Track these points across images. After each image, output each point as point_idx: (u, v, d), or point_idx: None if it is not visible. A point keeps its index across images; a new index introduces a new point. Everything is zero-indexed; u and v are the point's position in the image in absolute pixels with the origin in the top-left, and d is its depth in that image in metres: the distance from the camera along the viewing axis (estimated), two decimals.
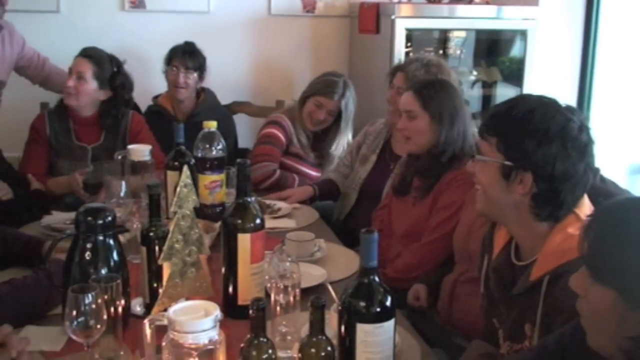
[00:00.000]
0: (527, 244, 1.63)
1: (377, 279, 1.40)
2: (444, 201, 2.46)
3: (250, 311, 1.34)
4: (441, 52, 4.13)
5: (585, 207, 1.58)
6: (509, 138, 1.57)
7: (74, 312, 1.48)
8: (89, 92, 3.08)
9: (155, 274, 1.81)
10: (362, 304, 1.38)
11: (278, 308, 1.70)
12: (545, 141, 1.52)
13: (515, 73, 4.11)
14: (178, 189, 1.64)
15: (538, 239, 1.58)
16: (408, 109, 2.53)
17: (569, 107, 1.59)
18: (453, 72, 3.05)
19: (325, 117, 3.44)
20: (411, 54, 3.71)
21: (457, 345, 2.11)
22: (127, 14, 4.02)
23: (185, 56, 3.56)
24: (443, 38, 4.17)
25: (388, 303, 1.40)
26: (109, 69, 3.11)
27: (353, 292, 1.40)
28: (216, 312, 1.30)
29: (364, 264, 1.39)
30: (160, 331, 1.42)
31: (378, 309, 1.39)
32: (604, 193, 1.78)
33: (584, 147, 1.55)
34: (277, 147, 3.38)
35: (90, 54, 3.09)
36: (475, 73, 4.20)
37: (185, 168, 1.66)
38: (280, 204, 2.88)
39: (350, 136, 3.53)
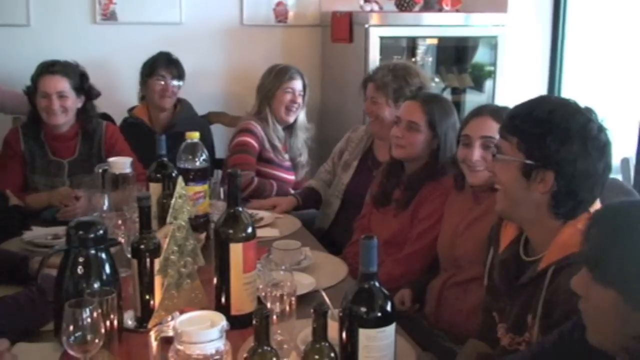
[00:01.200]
0: (539, 240, 1.66)
1: (377, 284, 1.42)
2: (424, 211, 2.51)
3: (254, 320, 1.35)
4: (413, 59, 4.18)
5: (598, 206, 1.62)
6: (531, 137, 1.60)
7: (72, 327, 1.47)
8: (72, 106, 3.06)
9: (147, 287, 1.80)
10: (364, 309, 1.40)
11: (274, 317, 1.71)
12: (566, 140, 1.55)
13: (482, 79, 4.18)
14: (173, 200, 1.64)
15: (550, 235, 1.61)
16: (412, 120, 2.56)
17: (587, 108, 1.63)
18: (422, 72, 3.11)
19: (299, 100, 3.53)
20: (381, 62, 3.75)
21: (446, 348, 2.13)
22: (98, 27, 3.99)
23: (171, 65, 3.57)
24: (412, 46, 4.21)
25: (389, 307, 1.42)
26: (76, 76, 3.08)
27: (354, 298, 1.41)
28: (222, 322, 1.30)
29: (364, 270, 1.41)
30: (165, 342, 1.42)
31: (379, 314, 1.41)
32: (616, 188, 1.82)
33: (603, 147, 1.59)
34: (252, 155, 3.39)
35: (57, 68, 3.04)
36: (437, 80, 4.24)
37: (181, 179, 1.66)
38: (263, 213, 2.88)
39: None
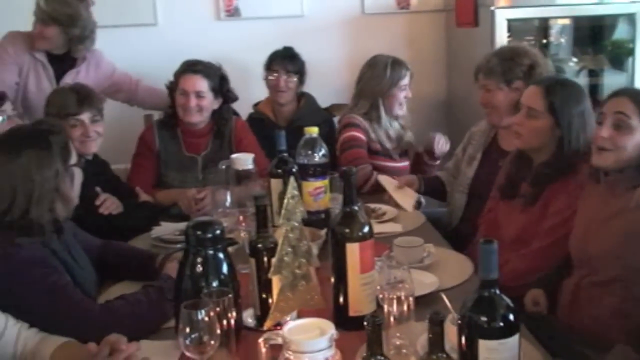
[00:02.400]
0: None
1: (498, 291, 1.32)
2: (556, 205, 2.33)
3: (366, 327, 1.29)
4: (544, 41, 3.97)
5: None
6: None
7: (188, 328, 1.48)
8: (209, 106, 3.14)
9: (265, 285, 1.80)
10: (484, 318, 1.31)
11: (392, 319, 1.65)
12: None
13: (622, 58, 3.91)
14: (285, 200, 1.61)
15: None
16: (530, 106, 2.39)
17: None
18: (533, 51, 2.91)
19: (410, 94, 3.42)
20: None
21: (579, 353, 1.99)
22: (222, 23, 4.07)
23: (285, 60, 3.56)
24: (544, 26, 4.00)
25: (511, 317, 1.32)
26: (216, 78, 3.15)
27: (473, 306, 1.32)
28: (331, 330, 1.26)
29: (484, 276, 1.32)
30: (275, 348, 1.40)
31: (501, 324, 1.31)
32: None
33: None
34: (363, 147, 3.31)
35: (199, 68, 3.12)
36: (575, 60, 4.02)
37: (292, 179, 1.63)
38: (385, 208, 2.82)
39: None
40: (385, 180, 3.02)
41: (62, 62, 3.36)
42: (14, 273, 1.76)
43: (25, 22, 3.30)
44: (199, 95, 3.09)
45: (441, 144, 3.33)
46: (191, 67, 3.13)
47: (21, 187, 1.82)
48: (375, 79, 3.38)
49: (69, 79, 3.33)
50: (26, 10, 3.25)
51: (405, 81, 3.39)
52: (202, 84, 3.09)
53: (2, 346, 1.68)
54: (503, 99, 2.80)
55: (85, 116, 2.71)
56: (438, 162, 3.44)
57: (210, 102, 3.13)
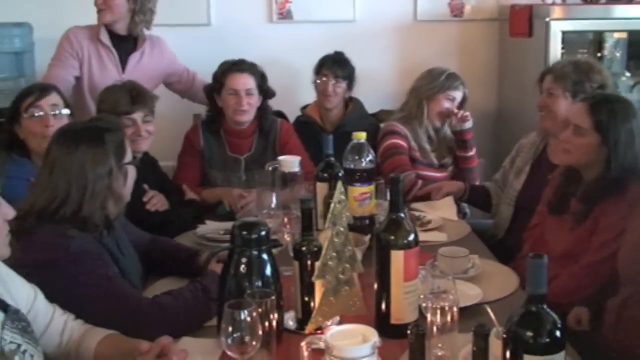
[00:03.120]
0: None
1: (546, 307, 1.30)
2: (607, 222, 2.27)
3: (409, 336, 1.28)
4: (598, 54, 3.90)
5: None
6: None
7: (230, 328, 1.49)
8: (256, 105, 3.17)
9: (308, 289, 1.80)
10: (530, 334, 1.29)
11: (435, 329, 1.63)
12: None
13: None
14: (332, 205, 1.61)
15: None
16: (577, 124, 2.35)
17: None
18: (606, 72, 2.87)
19: (455, 110, 3.37)
20: (564, 57, 3.53)
21: None
22: (275, 26, 4.10)
23: (335, 65, 3.56)
24: (598, 40, 3.93)
25: (558, 334, 1.29)
26: (259, 76, 3.18)
27: (520, 321, 1.30)
28: (374, 338, 1.25)
29: (532, 291, 1.29)
30: (317, 353, 1.40)
31: (547, 340, 1.29)
32: None
33: None
34: (405, 155, 3.29)
35: (246, 67, 3.15)
36: (628, 75, 3.94)
37: (340, 184, 1.63)
38: (431, 216, 2.80)
39: None
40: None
41: (125, 44, 3.40)
42: (66, 264, 1.79)
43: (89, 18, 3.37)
44: (249, 93, 3.12)
45: (460, 115, 3.33)
46: (237, 66, 3.16)
47: (75, 183, 1.84)
48: (428, 83, 3.39)
49: (133, 61, 3.39)
50: (90, 6, 3.31)
51: (455, 94, 3.36)
52: (251, 82, 3.13)
53: (49, 336, 1.70)
54: (563, 107, 2.75)
55: (137, 115, 2.74)
56: (471, 153, 3.42)
57: (257, 100, 3.17)
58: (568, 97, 2.75)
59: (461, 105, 3.41)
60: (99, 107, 2.81)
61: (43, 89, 2.64)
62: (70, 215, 1.84)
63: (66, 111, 2.64)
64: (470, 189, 3.11)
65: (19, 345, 1.49)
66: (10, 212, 1.54)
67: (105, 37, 3.32)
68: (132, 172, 2.00)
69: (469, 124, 3.36)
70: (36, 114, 2.57)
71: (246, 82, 3.12)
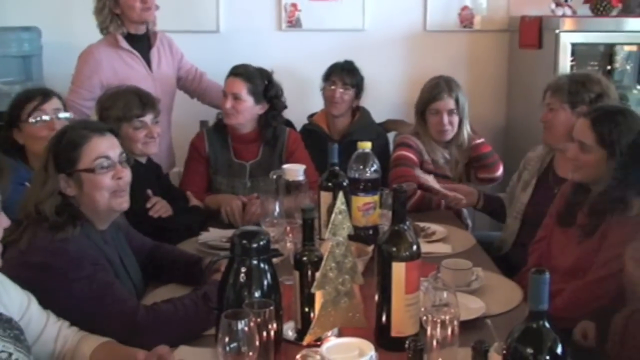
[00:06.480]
0: None
1: (547, 324, 1.27)
2: (614, 237, 2.24)
3: (407, 351, 1.26)
4: (608, 67, 3.87)
5: None
6: None
7: (227, 338, 1.47)
8: (247, 110, 3.13)
9: (308, 299, 1.77)
10: (530, 350, 1.26)
11: (434, 343, 1.60)
12: None
13: None
14: (333, 215, 1.59)
15: None
16: (581, 140, 2.33)
17: None
18: (605, 81, 2.81)
19: (449, 120, 3.28)
20: (574, 69, 3.51)
21: None
22: (283, 34, 4.10)
23: (344, 72, 3.56)
24: (609, 52, 3.90)
25: (559, 351, 1.26)
26: (261, 83, 3.15)
27: (520, 337, 1.28)
28: (370, 352, 1.23)
29: (533, 307, 1.27)
30: None
31: (547, 357, 1.26)
32: None
33: None
34: (410, 167, 3.24)
35: (240, 72, 3.14)
36: (639, 87, 3.90)
37: (341, 194, 1.61)
38: (435, 228, 2.77)
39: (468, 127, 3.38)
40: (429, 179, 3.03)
41: (141, 44, 3.39)
42: (64, 268, 1.78)
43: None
44: (235, 97, 3.10)
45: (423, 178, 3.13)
46: (234, 70, 3.17)
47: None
48: (419, 97, 3.38)
49: (155, 58, 3.41)
50: None
51: (437, 105, 3.27)
52: (239, 87, 3.10)
53: (42, 343, 1.69)
54: (563, 120, 2.73)
55: (148, 117, 2.79)
56: (497, 173, 3.41)
57: (250, 106, 3.12)
58: (566, 108, 2.74)
59: (458, 113, 3.30)
60: (104, 114, 2.81)
61: (45, 94, 2.64)
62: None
63: (66, 114, 2.64)
64: (485, 198, 3.10)
65: (10, 354, 1.47)
66: (5, 221, 1.54)
67: (124, 43, 3.31)
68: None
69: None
70: (42, 118, 2.57)
71: (234, 86, 3.11)
